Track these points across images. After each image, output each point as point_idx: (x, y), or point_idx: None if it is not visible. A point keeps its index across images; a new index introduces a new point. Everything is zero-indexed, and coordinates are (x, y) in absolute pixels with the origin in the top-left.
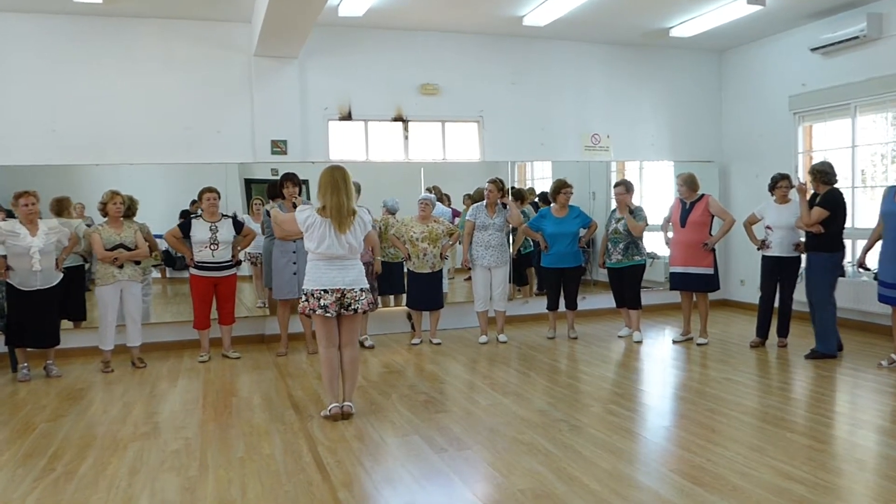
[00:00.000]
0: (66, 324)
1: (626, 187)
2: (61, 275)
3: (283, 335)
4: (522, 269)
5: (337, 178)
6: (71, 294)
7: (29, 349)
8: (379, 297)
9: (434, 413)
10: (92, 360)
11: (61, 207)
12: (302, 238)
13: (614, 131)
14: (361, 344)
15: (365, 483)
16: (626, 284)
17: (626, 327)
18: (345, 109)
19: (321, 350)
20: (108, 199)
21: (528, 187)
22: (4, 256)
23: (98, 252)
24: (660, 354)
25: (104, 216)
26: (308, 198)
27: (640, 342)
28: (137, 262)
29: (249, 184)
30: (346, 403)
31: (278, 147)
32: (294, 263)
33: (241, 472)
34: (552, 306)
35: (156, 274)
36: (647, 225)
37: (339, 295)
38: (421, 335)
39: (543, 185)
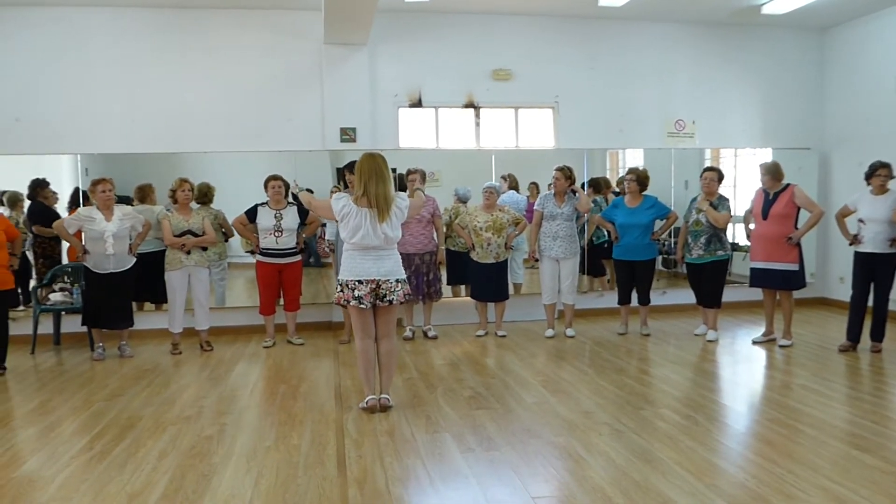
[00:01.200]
0: (147, 306)
1: (718, 174)
2: (134, 259)
3: (346, 322)
4: (598, 259)
5: (380, 165)
6: (152, 277)
7: (104, 330)
8: (441, 288)
9: (474, 409)
10: (165, 342)
11: (144, 194)
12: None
13: (700, 117)
14: (425, 334)
15: (378, 481)
16: (707, 281)
17: (703, 325)
18: (415, 96)
19: (357, 341)
20: (178, 186)
21: (620, 177)
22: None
23: (166, 238)
24: (735, 356)
25: (174, 203)
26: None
27: (714, 341)
28: (205, 249)
29: (341, 171)
30: (382, 396)
31: (347, 135)
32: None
33: (262, 461)
34: (623, 300)
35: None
36: (731, 216)
37: (374, 286)
38: (486, 327)
39: None
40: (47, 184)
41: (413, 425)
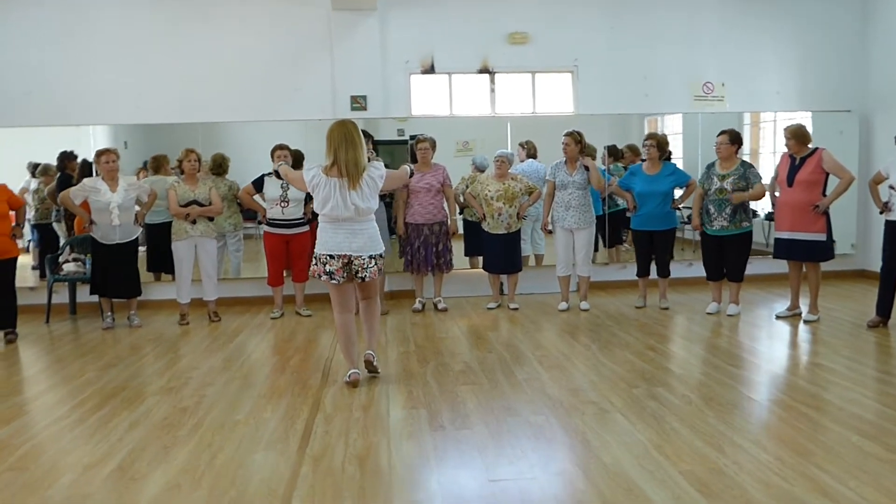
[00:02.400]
0: (164, 277)
1: (731, 137)
2: (140, 229)
3: None
4: (618, 227)
5: (350, 131)
6: (166, 248)
7: (115, 300)
8: (452, 259)
9: (460, 385)
10: (176, 312)
11: (158, 164)
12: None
13: (730, 79)
14: (435, 306)
15: (336, 458)
16: (730, 255)
17: (713, 303)
18: (427, 62)
19: (335, 315)
20: (184, 156)
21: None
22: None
23: (172, 208)
24: (754, 332)
25: (181, 173)
26: (378, 155)
27: (735, 316)
28: (211, 219)
29: (376, 145)
30: (367, 352)
31: (358, 103)
32: None
33: (226, 435)
34: (642, 272)
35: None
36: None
37: (345, 261)
38: (499, 299)
39: (674, 140)
40: (75, 156)
41: (392, 400)
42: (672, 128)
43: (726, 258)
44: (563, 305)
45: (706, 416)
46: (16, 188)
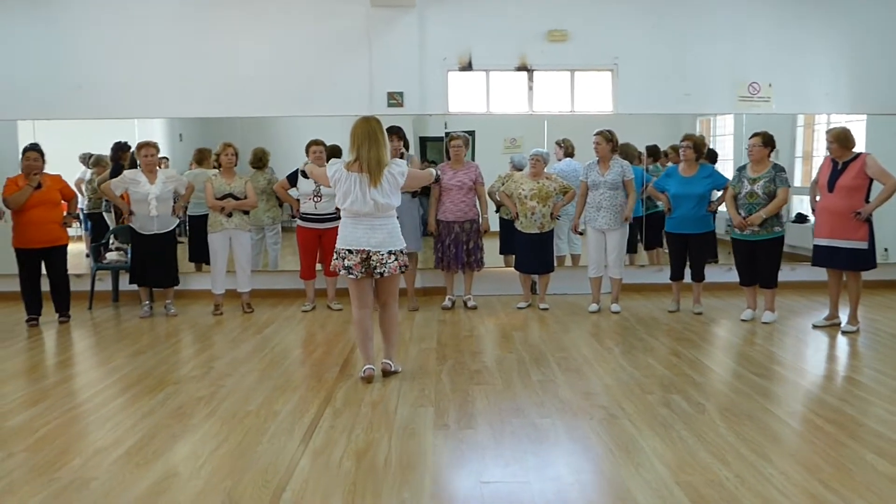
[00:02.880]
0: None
1: (764, 139)
2: (178, 220)
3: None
4: (657, 229)
5: (374, 128)
6: (204, 239)
7: (154, 289)
8: (483, 258)
9: (473, 384)
10: (212, 302)
11: (202, 157)
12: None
13: (777, 79)
14: (465, 304)
15: (335, 454)
16: (761, 260)
17: (748, 309)
18: (465, 59)
19: (353, 310)
20: (221, 150)
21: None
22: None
23: (208, 200)
24: (788, 341)
25: (218, 167)
26: (426, 152)
27: (770, 323)
28: (247, 212)
29: (424, 141)
30: (384, 361)
31: (394, 99)
32: (398, 218)
33: (234, 426)
34: (675, 276)
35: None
36: (789, 188)
37: (364, 256)
38: (529, 299)
39: (724, 141)
40: (129, 147)
41: (402, 397)
42: (724, 129)
43: (758, 264)
44: (594, 307)
45: (717, 427)
46: (71, 179)
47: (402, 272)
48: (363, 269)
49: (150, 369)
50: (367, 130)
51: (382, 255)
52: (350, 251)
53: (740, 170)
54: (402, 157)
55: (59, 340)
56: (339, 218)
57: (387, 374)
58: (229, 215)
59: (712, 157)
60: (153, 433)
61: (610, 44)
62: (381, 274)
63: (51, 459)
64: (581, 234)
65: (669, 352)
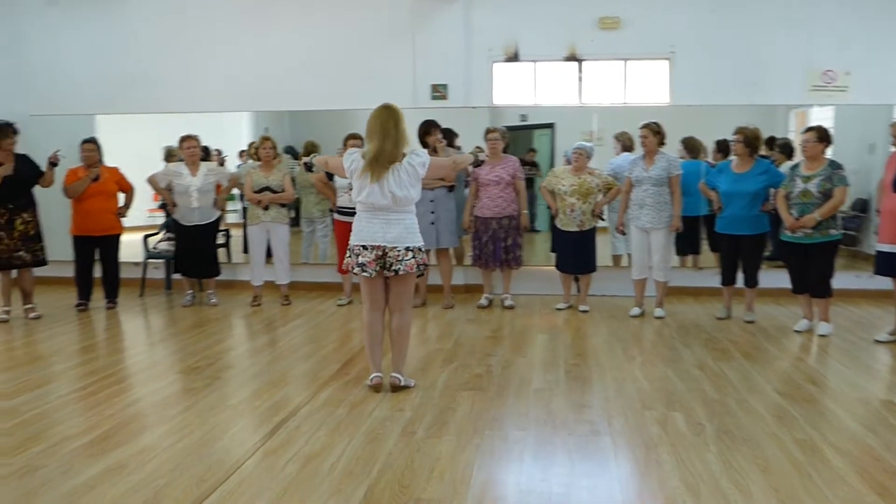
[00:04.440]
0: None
1: (818, 134)
2: (219, 212)
3: (420, 286)
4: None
5: (388, 118)
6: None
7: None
8: (521, 255)
9: (464, 390)
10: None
11: (256, 151)
12: (440, 186)
13: (856, 67)
14: (502, 303)
15: (285, 455)
16: (814, 264)
17: (803, 319)
18: (511, 50)
19: (364, 313)
20: (260, 143)
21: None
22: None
23: (246, 193)
24: (841, 357)
25: (257, 160)
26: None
27: (826, 336)
28: (284, 205)
29: (448, 135)
30: (393, 375)
31: (438, 92)
32: (432, 213)
33: (206, 420)
34: (726, 280)
35: None
36: (847, 187)
37: (379, 253)
38: (569, 300)
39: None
40: (207, 149)
41: (385, 400)
42: (819, 121)
43: (809, 268)
44: (635, 311)
45: (706, 452)
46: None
47: (420, 274)
48: (378, 267)
49: (160, 358)
50: (382, 120)
51: (399, 251)
52: (364, 247)
53: (794, 168)
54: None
55: (93, 326)
56: None
57: (396, 388)
58: (266, 208)
59: (788, 151)
60: (126, 423)
61: (666, 31)
62: (397, 272)
63: (16, 445)
64: (624, 234)
65: (696, 363)
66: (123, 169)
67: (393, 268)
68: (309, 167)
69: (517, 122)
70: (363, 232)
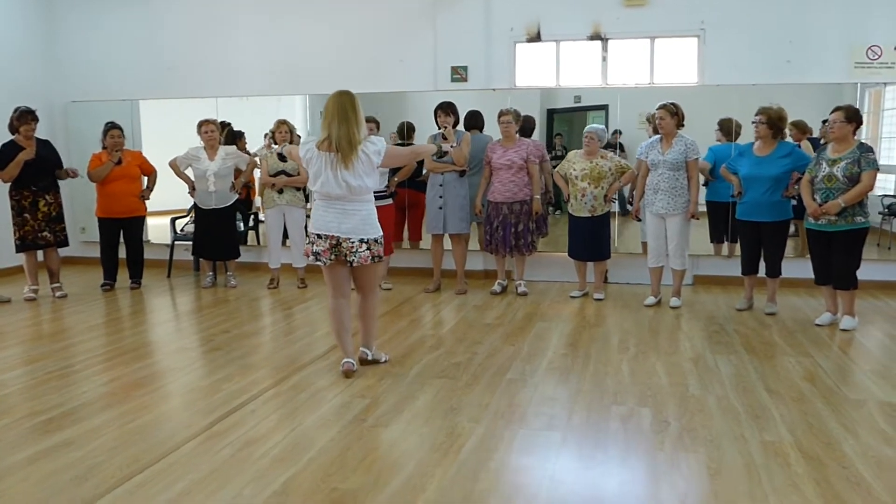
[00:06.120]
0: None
1: (847, 114)
2: (236, 196)
3: (434, 271)
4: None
5: (345, 104)
6: None
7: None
8: (534, 241)
9: (435, 378)
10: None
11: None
12: (451, 170)
13: None
14: (516, 289)
15: (226, 439)
16: (839, 254)
17: (826, 312)
18: (533, 30)
19: (328, 299)
20: (276, 127)
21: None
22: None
23: (262, 177)
24: (854, 354)
25: (274, 144)
26: (465, 129)
27: (849, 331)
28: (299, 189)
29: (552, 113)
30: (361, 349)
31: (458, 74)
32: (440, 197)
33: (169, 402)
34: (747, 270)
35: None
36: (876, 171)
37: (333, 242)
38: (584, 287)
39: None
40: (228, 125)
41: (351, 387)
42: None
43: (832, 258)
44: (650, 300)
45: (657, 451)
46: None
47: (375, 262)
48: (332, 256)
49: (158, 337)
50: (336, 106)
51: (353, 242)
52: (319, 236)
53: (820, 151)
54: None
55: (109, 306)
56: (388, 196)
57: (364, 363)
58: (280, 192)
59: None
60: (91, 402)
61: (695, 6)
62: (351, 263)
63: None
64: (640, 220)
65: (691, 357)
66: (164, 153)
67: (348, 259)
68: (282, 157)
69: (571, 104)
70: (318, 221)
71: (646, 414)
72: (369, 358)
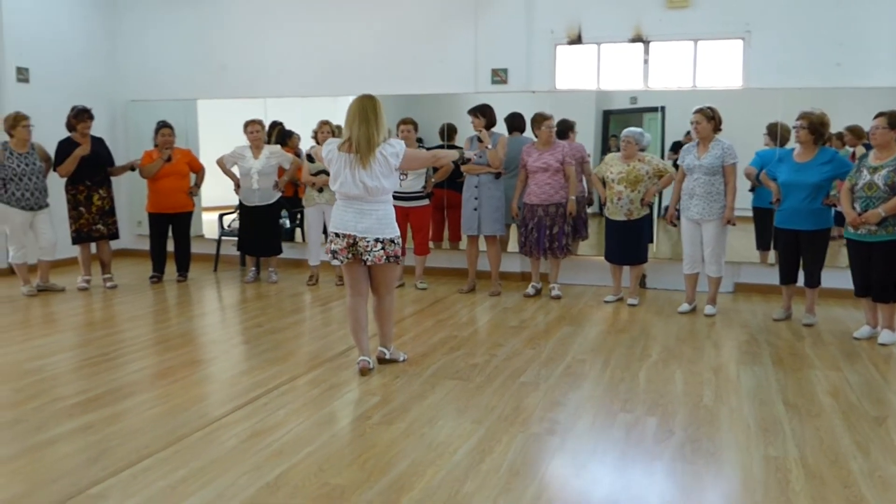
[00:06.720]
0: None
1: (888, 119)
2: (279, 194)
3: (469, 271)
4: None
5: (366, 107)
6: None
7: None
8: (568, 244)
9: (448, 379)
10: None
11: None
12: (486, 172)
13: None
14: (550, 292)
15: (229, 432)
16: (878, 265)
17: (866, 326)
18: (574, 32)
19: (347, 297)
20: (318, 127)
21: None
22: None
23: (303, 176)
24: (893, 370)
25: (317, 144)
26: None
27: (886, 345)
28: None
29: (608, 115)
30: (379, 349)
31: (498, 76)
32: (476, 199)
33: (189, 391)
34: (785, 279)
35: None
36: None
37: (350, 241)
38: (619, 292)
39: None
40: (279, 123)
41: (364, 385)
42: None
43: (873, 270)
44: (685, 307)
45: (655, 462)
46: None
47: (390, 263)
48: (349, 255)
49: (191, 329)
50: (359, 109)
51: (368, 241)
52: (337, 235)
53: (861, 158)
54: (480, 137)
55: (154, 297)
56: (426, 196)
57: (382, 361)
58: (320, 190)
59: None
60: (118, 388)
61: (740, 8)
62: (366, 262)
63: (19, 400)
64: (675, 225)
65: (713, 366)
66: (221, 152)
67: (363, 258)
68: (310, 158)
69: (627, 106)
70: (337, 220)
71: (651, 423)
72: (387, 357)
